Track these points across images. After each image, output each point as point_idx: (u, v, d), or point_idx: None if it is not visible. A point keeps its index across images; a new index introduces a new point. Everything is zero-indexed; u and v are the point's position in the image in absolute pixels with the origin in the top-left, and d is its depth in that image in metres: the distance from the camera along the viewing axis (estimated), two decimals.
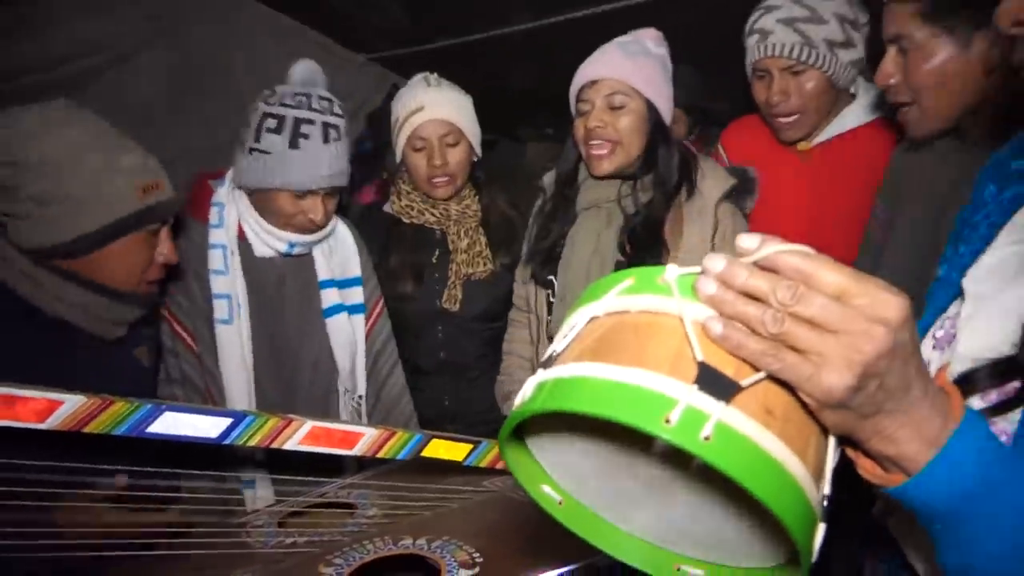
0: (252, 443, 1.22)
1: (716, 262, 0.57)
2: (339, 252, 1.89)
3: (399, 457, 1.32)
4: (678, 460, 0.62)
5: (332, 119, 1.68)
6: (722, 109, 2.62)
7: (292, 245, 1.76)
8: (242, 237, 1.76)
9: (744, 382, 0.55)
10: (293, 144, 1.63)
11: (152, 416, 1.14)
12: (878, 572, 0.90)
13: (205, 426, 1.18)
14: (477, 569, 1.13)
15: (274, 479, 1.60)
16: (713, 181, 1.75)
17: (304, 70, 1.73)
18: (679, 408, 0.53)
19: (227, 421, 1.19)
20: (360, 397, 1.90)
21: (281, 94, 1.67)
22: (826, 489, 0.58)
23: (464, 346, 2.09)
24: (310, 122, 1.64)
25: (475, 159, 2.06)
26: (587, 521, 0.72)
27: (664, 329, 0.59)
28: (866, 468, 0.61)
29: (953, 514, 0.58)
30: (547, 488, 0.71)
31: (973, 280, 0.80)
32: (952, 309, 0.82)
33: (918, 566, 0.77)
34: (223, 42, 2.91)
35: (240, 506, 1.52)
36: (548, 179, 1.95)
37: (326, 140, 1.66)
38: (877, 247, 1.53)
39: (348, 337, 1.86)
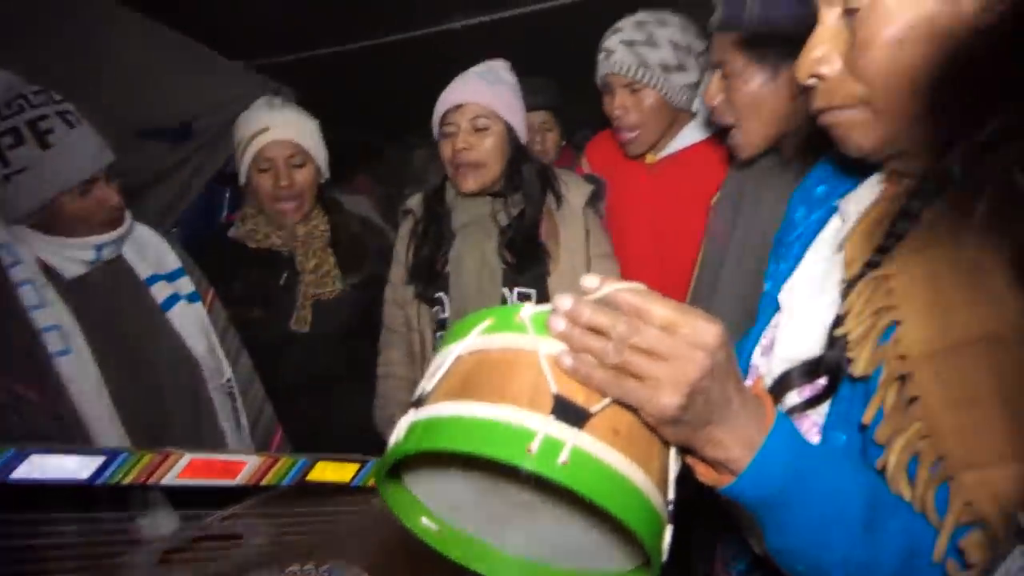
0: (127, 481, 1.20)
1: (564, 301, 0.65)
2: (151, 248, 1.83)
3: (284, 483, 1.34)
4: (543, 482, 0.70)
5: (60, 107, 1.59)
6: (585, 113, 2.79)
7: (99, 249, 1.66)
8: (44, 267, 1.64)
9: (593, 408, 0.64)
10: (43, 145, 1.54)
11: (17, 460, 1.10)
12: (726, 555, 1.03)
13: (74, 467, 1.15)
14: None
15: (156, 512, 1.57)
16: (576, 189, 1.95)
17: (2, 81, 1.60)
18: (538, 439, 0.61)
19: (98, 460, 1.17)
20: (229, 380, 1.87)
21: None
22: (670, 494, 0.69)
23: (322, 367, 2.10)
24: (43, 117, 1.56)
25: (322, 180, 2.11)
26: (464, 545, 0.79)
27: (522, 364, 0.66)
28: (702, 472, 0.71)
29: (771, 503, 0.69)
30: (424, 519, 0.78)
31: (787, 293, 0.93)
32: (774, 320, 0.96)
33: (754, 545, 0.90)
34: (94, 53, 2.77)
35: (117, 545, 1.49)
36: (414, 202, 2.04)
37: (70, 125, 1.58)
38: (717, 260, 1.69)
39: (196, 323, 1.81)
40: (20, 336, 1.56)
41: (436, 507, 0.78)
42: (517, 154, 1.92)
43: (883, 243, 0.77)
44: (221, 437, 1.82)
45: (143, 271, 1.78)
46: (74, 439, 1.56)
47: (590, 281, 0.67)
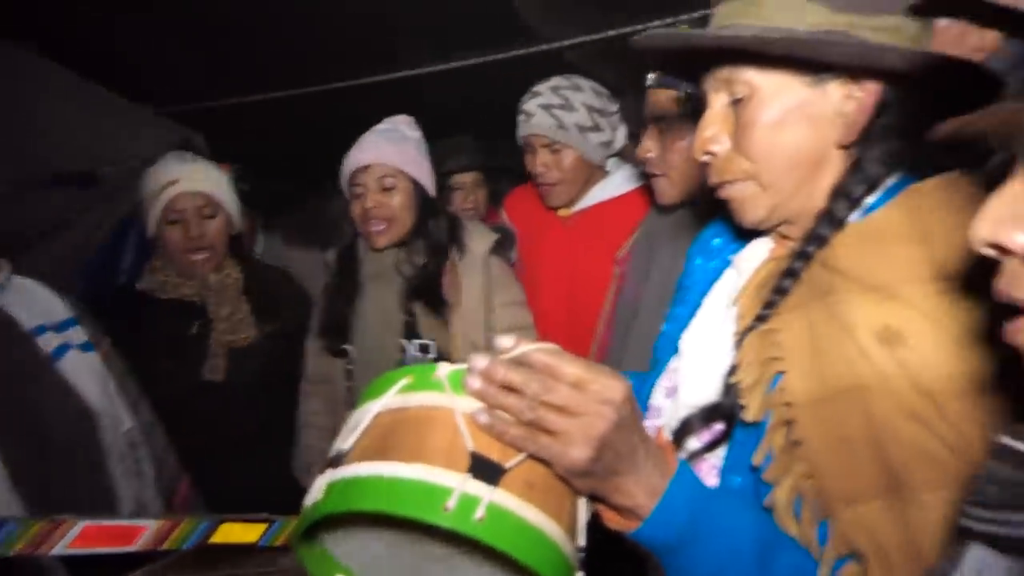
0: (14, 552, 1.13)
1: (480, 361, 0.69)
2: (38, 299, 1.74)
3: (186, 547, 1.29)
4: (460, 536, 0.72)
5: None
6: (511, 166, 2.90)
7: None
8: None
9: (508, 464, 0.67)
10: None
11: None
12: None
13: None
14: None
15: None
16: (479, 238, 2.02)
17: None
18: (455, 496, 0.63)
19: None
20: (130, 429, 1.78)
21: None
22: (581, 541, 0.72)
23: (237, 419, 2.06)
24: None
25: (233, 232, 2.11)
26: None
27: (439, 422, 0.69)
28: (611, 519, 0.76)
29: (674, 546, 0.74)
30: None
31: (687, 340, 1.00)
32: (673, 363, 1.02)
33: None
34: None
35: None
36: (331, 256, 2.10)
37: None
38: (630, 312, 1.79)
39: (91, 371, 1.73)
40: None
41: (352, 564, 0.78)
42: (426, 207, 1.99)
43: (770, 299, 0.84)
44: (120, 488, 1.73)
45: (28, 321, 1.68)
46: None
47: (505, 341, 0.71)
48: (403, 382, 0.73)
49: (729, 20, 0.83)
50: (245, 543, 1.38)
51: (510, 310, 1.98)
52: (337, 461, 0.70)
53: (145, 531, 1.26)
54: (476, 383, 0.68)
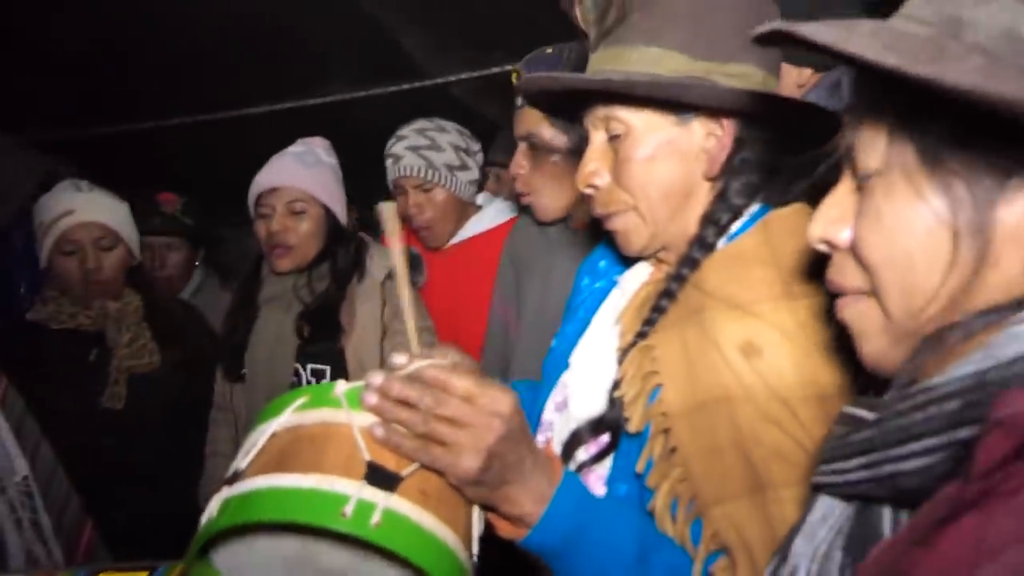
0: None
1: (376, 378, 0.72)
2: None
3: None
4: (357, 548, 0.74)
5: None
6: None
7: None
8: None
9: (404, 472, 0.71)
10: None
11: None
12: None
13: None
14: None
15: None
16: (380, 263, 1.98)
17: None
18: (352, 502, 0.66)
19: None
20: (25, 479, 1.68)
21: None
22: (475, 550, 0.76)
23: (138, 450, 1.98)
24: None
25: (133, 263, 2.05)
26: None
27: (337, 437, 0.72)
28: (502, 527, 0.80)
29: (561, 551, 0.78)
30: None
31: (576, 356, 1.06)
32: (564, 378, 1.08)
33: None
34: None
35: None
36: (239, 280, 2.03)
37: None
38: (503, 324, 1.88)
39: None
40: None
41: None
42: (334, 235, 1.94)
43: (649, 317, 0.92)
44: (9, 542, 1.62)
45: None
46: None
47: (399, 359, 0.74)
48: (300, 401, 0.75)
49: (602, 66, 0.92)
50: None
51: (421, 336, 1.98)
52: (233, 479, 0.71)
53: None
54: (372, 398, 0.72)
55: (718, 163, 0.91)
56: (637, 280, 1.04)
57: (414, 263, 2.14)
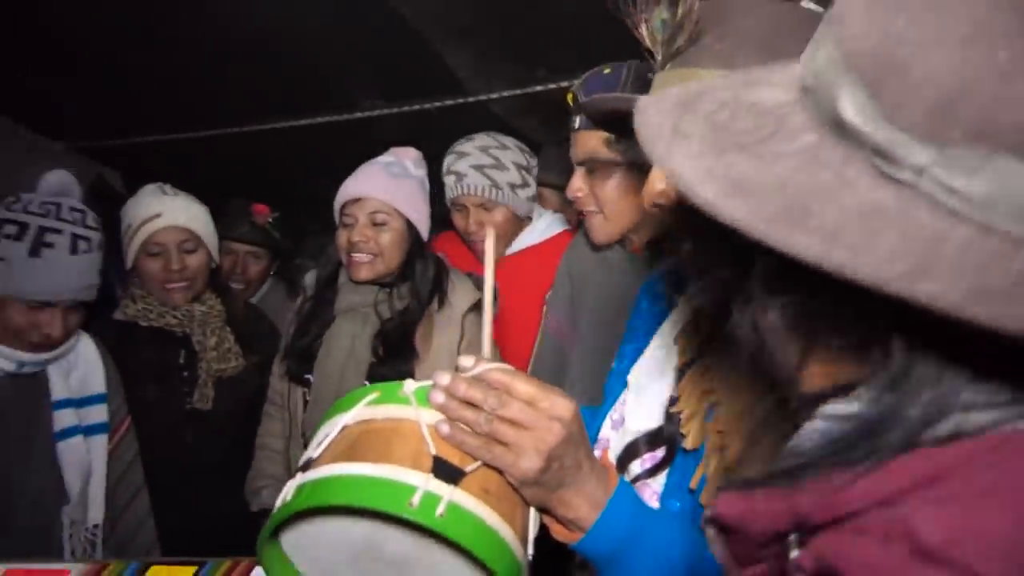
0: None
1: (443, 378, 0.76)
2: (80, 367, 1.78)
3: None
4: (417, 540, 0.77)
5: (83, 231, 1.62)
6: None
7: (22, 364, 1.63)
8: None
9: (467, 469, 0.74)
10: (34, 252, 1.55)
11: None
12: None
13: None
14: None
15: None
16: (462, 293, 1.98)
17: (55, 181, 1.67)
18: (419, 493, 0.69)
19: None
20: (95, 527, 1.78)
21: (26, 202, 1.60)
22: (530, 550, 0.78)
23: (215, 447, 2.08)
24: (57, 231, 1.58)
25: (213, 265, 2.13)
26: None
27: (405, 432, 0.75)
28: (556, 530, 0.83)
29: (613, 558, 0.81)
30: None
31: (634, 374, 1.09)
32: (623, 397, 1.10)
33: None
34: None
35: None
36: (309, 279, 2.08)
37: (74, 251, 1.59)
38: (555, 342, 1.89)
39: (81, 462, 1.74)
40: None
41: (312, 570, 0.82)
42: (415, 249, 1.95)
43: (706, 337, 0.94)
44: None
45: (58, 392, 1.73)
46: None
47: (466, 361, 0.78)
48: (371, 396, 0.79)
49: (668, 87, 0.93)
50: None
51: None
52: (306, 467, 0.75)
53: (69, 575, 1.23)
54: (439, 397, 0.75)
55: None
56: (696, 301, 1.05)
57: (494, 296, 2.15)
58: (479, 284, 2.06)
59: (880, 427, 0.46)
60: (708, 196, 0.44)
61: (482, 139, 2.20)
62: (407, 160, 1.98)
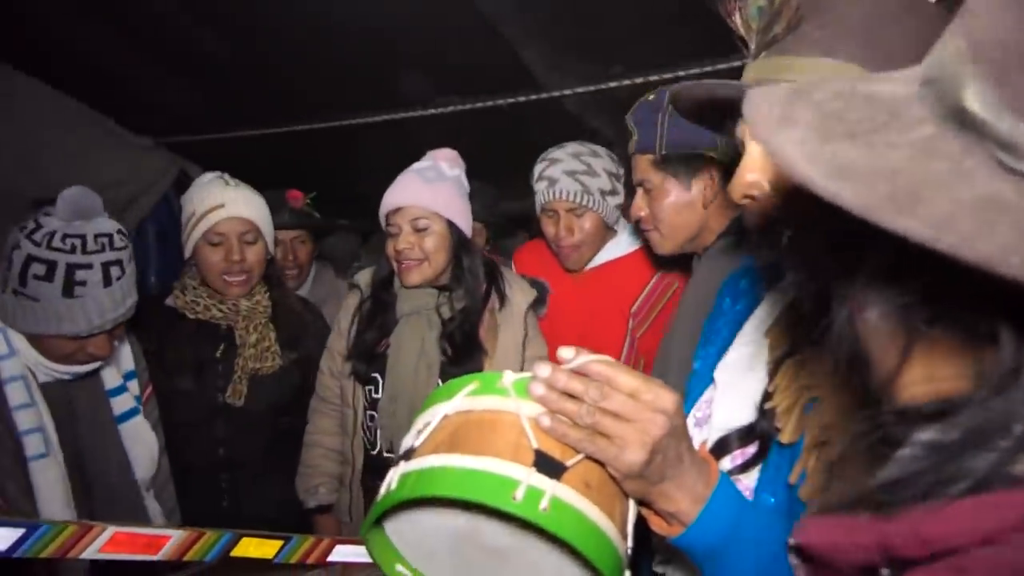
0: (47, 553, 1.15)
1: (543, 370, 0.76)
2: (120, 352, 1.84)
3: (207, 559, 1.32)
4: (515, 532, 0.77)
5: (113, 255, 1.59)
6: (515, 211, 3.00)
7: (76, 375, 1.68)
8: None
9: (569, 463, 0.73)
10: (68, 293, 1.52)
11: None
12: None
13: None
14: None
15: None
16: (520, 293, 2.05)
17: (74, 201, 1.56)
18: (522, 487, 0.70)
19: (18, 532, 1.13)
20: (153, 488, 1.88)
21: (48, 232, 1.54)
22: (630, 543, 0.78)
23: (247, 442, 2.11)
24: (87, 267, 1.54)
25: (269, 257, 2.17)
26: None
27: (505, 424, 0.76)
28: (656, 523, 0.82)
29: (715, 551, 0.80)
30: (400, 568, 0.83)
31: (720, 372, 1.07)
32: (706, 395, 1.09)
33: None
34: None
35: None
36: (363, 279, 2.12)
37: (107, 283, 1.57)
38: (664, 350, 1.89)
39: (143, 440, 1.82)
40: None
41: (413, 558, 0.83)
42: (460, 248, 2.00)
43: (802, 330, 0.92)
44: None
45: (110, 382, 1.79)
46: None
47: (566, 352, 0.77)
48: (470, 387, 0.79)
49: (767, 75, 0.92)
50: (262, 558, 1.42)
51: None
52: (408, 455, 0.76)
53: (170, 541, 1.29)
54: (539, 389, 0.75)
55: None
56: (787, 295, 1.03)
57: (541, 295, 2.17)
58: (534, 283, 2.14)
59: (985, 440, 0.43)
60: (811, 175, 0.43)
61: (574, 146, 2.22)
62: (442, 162, 2.03)
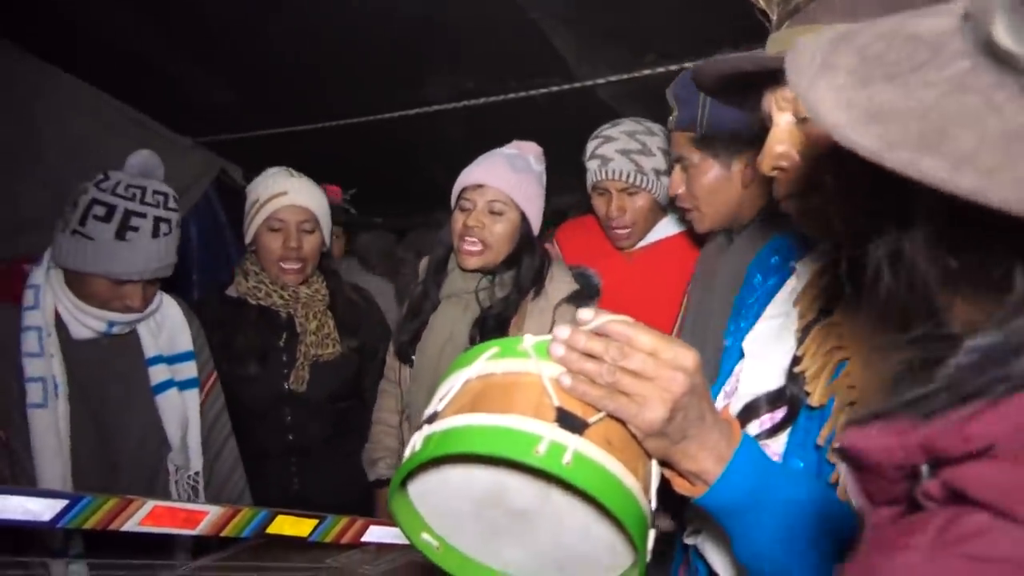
0: (89, 525, 1.20)
1: (563, 331, 0.76)
2: (166, 328, 1.91)
3: (244, 535, 1.35)
4: (540, 493, 0.77)
5: (165, 213, 1.74)
6: (569, 203, 3.00)
7: (111, 324, 1.77)
8: (57, 319, 1.74)
9: (591, 420, 0.74)
10: (120, 235, 1.67)
11: None
12: None
13: (38, 509, 1.15)
14: None
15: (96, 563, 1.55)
16: (559, 284, 2.02)
17: (142, 161, 1.78)
18: (545, 442, 0.70)
19: (61, 503, 1.17)
20: (196, 474, 1.91)
21: (114, 182, 1.71)
22: (652, 502, 0.77)
23: (311, 428, 2.17)
24: (141, 215, 1.69)
25: (324, 249, 2.22)
26: (461, 562, 0.86)
27: (527, 385, 0.76)
28: (678, 483, 0.82)
29: (740, 509, 0.80)
30: (426, 535, 0.84)
31: (749, 342, 1.07)
32: (737, 368, 1.08)
33: (720, 571, 0.99)
34: (35, 116, 2.80)
35: None
36: (423, 264, 2.14)
37: (155, 235, 1.71)
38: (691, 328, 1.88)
39: (179, 413, 1.87)
40: (5, 378, 1.64)
41: (437, 525, 0.84)
42: (524, 243, 1.99)
43: (833, 294, 0.90)
44: None
45: (149, 350, 1.86)
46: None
47: (586, 314, 0.78)
48: (491, 351, 0.80)
49: (787, 47, 0.90)
50: (297, 536, 1.45)
51: None
52: (432, 419, 0.77)
53: (207, 516, 1.32)
54: (560, 350, 0.76)
55: None
56: (816, 263, 1.02)
57: (590, 289, 2.10)
58: (578, 277, 2.09)
59: (1013, 353, 0.44)
60: (837, 121, 0.44)
61: (629, 124, 2.18)
62: (530, 155, 2.03)
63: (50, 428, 1.64)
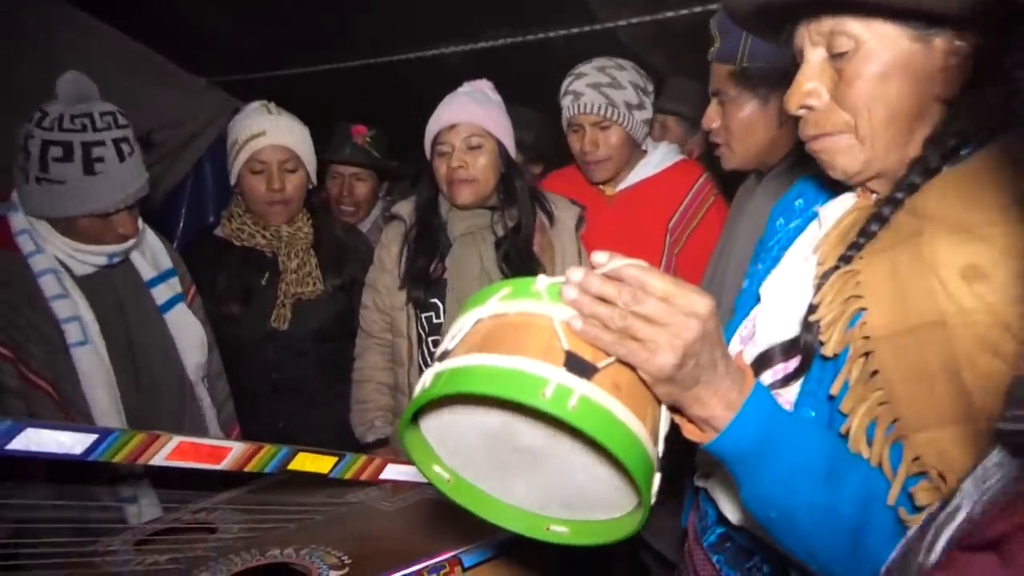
0: (118, 459, 1.24)
1: (576, 274, 0.76)
2: (149, 250, 1.90)
3: (267, 470, 1.39)
4: (548, 432, 0.78)
5: (120, 132, 1.66)
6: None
7: (112, 256, 1.75)
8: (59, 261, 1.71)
9: (599, 364, 0.74)
10: (88, 170, 1.60)
11: (12, 433, 1.13)
12: (699, 526, 1.13)
13: (69, 442, 1.19)
14: (346, 570, 1.24)
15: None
16: (566, 210, 2.09)
17: (73, 85, 1.64)
18: (552, 385, 0.71)
19: (91, 437, 1.21)
20: (207, 376, 1.97)
21: (55, 117, 1.60)
22: (660, 447, 0.78)
23: (297, 367, 2.19)
24: (100, 143, 1.62)
25: (310, 186, 2.21)
26: (471, 495, 0.88)
27: (537, 326, 0.77)
28: (688, 429, 0.82)
29: (748, 457, 0.80)
30: (437, 468, 0.86)
31: (767, 287, 1.05)
32: (753, 313, 1.07)
33: (729, 514, 1.01)
34: (52, 59, 2.78)
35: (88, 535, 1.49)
36: (404, 209, 2.13)
37: (122, 158, 1.64)
38: (712, 271, 1.88)
39: (189, 324, 1.91)
40: (38, 324, 1.62)
41: (448, 457, 0.86)
42: (508, 170, 2.04)
43: (855, 242, 0.89)
44: (204, 428, 1.93)
45: (146, 273, 1.87)
46: None
47: (599, 257, 0.77)
48: (503, 292, 0.81)
49: None
50: (318, 472, 1.49)
51: None
52: (443, 357, 0.78)
53: (231, 452, 1.36)
54: (572, 293, 0.75)
55: (957, 83, 0.85)
56: (839, 210, 1.00)
57: (583, 214, 2.18)
58: (573, 203, 2.16)
59: None
60: None
61: (600, 60, 2.20)
62: (485, 88, 2.09)
63: (96, 364, 1.65)
